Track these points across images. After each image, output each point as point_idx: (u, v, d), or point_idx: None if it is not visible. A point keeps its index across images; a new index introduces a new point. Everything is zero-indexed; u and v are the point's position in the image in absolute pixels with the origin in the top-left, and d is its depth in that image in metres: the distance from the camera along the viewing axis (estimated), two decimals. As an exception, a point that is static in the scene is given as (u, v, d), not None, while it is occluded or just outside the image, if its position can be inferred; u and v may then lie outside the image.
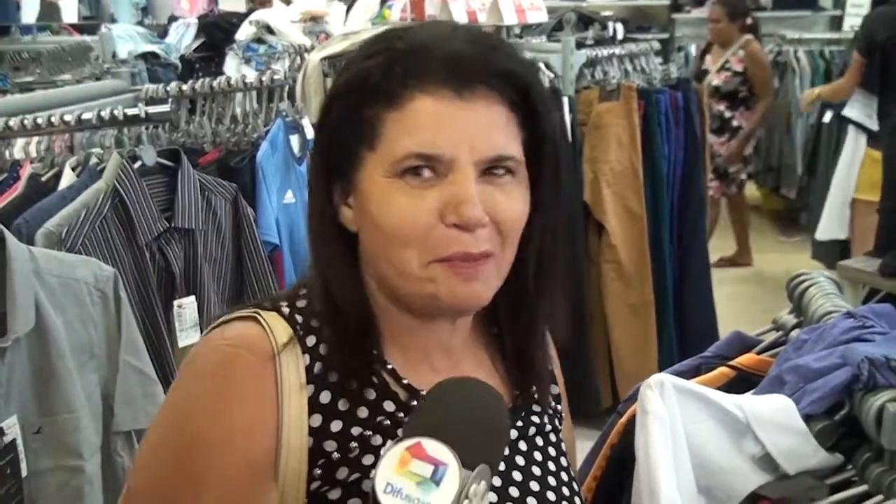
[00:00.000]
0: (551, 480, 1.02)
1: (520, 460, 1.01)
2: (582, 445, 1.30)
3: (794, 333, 1.24)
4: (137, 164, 2.17)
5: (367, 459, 0.92)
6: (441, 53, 0.91)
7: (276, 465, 0.91)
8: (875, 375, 0.92)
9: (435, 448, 0.75)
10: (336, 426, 0.93)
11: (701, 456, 0.98)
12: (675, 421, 0.97)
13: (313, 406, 0.93)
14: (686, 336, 3.86)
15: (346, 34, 4.50)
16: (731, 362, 1.26)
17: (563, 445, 1.08)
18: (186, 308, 2.22)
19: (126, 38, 6.50)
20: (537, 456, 1.03)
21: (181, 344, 2.20)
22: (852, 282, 3.53)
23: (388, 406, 0.95)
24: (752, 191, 7.29)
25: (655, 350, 3.78)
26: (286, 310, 0.98)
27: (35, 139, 2.28)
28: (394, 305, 0.97)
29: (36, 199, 2.11)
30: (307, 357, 0.94)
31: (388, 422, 0.94)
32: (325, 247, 0.98)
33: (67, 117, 2.20)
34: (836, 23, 7.97)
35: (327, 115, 0.97)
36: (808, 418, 0.95)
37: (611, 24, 4.93)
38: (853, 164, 4.82)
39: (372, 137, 0.92)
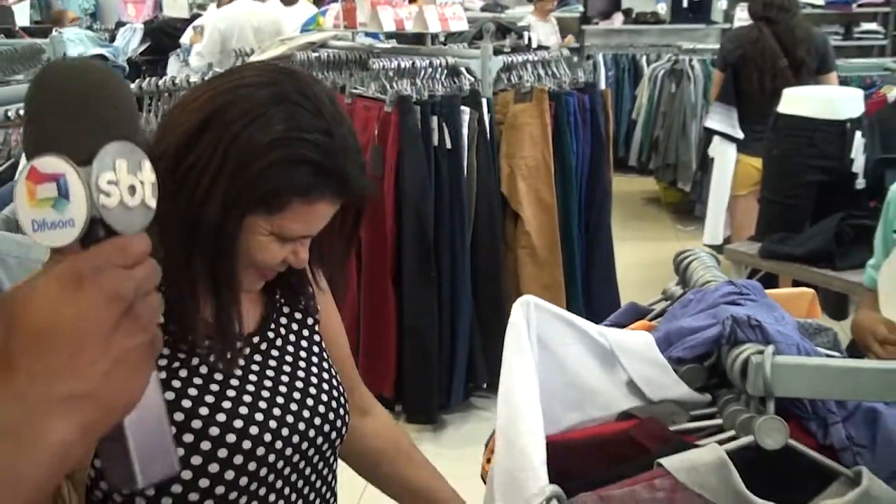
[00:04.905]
0: (302, 364, 1.26)
1: (258, 357, 1.24)
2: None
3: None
4: (89, 156, 2.16)
5: None
6: (349, 178, 1.12)
7: None
8: (737, 331, 0.98)
9: (46, 163, 0.62)
10: None
11: (572, 375, 1.02)
12: (533, 333, 1.00)
13: None
14: (592, 312, 3.96)
15: (282, 39, 4.49)
16: (625, 328, 1.32)
17: (316, 336, 1.33)
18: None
19: (76, 41, 6.38)
20: (290, 350, 1.28)
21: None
22: (736, 263, 3.64)
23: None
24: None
25: (565, 326, 3.86)
26: None
27: (-9, 133, 2.26)
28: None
29: (-7, 188, 2.10)
30: None
31: None
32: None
33: (23, 112, 2.17)
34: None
35: (245, 176, 1.09)
36: (679, 361, 1.01)
37: (526, 34, 5.01)
38: (725, 171, 4.86)
39: (272, 209, 1.10)
